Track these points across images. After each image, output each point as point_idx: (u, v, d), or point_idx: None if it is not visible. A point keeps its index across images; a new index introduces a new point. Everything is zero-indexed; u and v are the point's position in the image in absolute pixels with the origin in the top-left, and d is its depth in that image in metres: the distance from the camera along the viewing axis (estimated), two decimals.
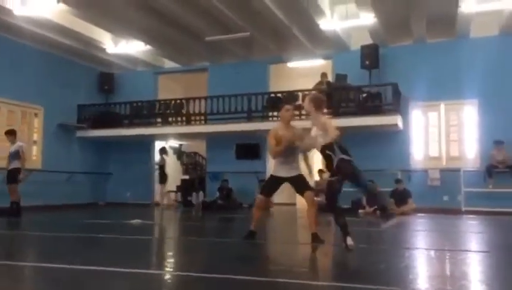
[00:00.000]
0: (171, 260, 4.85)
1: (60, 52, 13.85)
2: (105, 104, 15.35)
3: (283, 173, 5.83)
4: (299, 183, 5.85)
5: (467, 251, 5.46)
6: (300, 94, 13.09)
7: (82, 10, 11.32)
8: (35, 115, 13.61)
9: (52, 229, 8.21)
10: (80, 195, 14.29)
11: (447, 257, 4.99)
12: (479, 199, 11.64)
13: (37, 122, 13.64)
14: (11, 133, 10.11)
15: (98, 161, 15.51)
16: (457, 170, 11.98)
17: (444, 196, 12.16)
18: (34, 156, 13.39)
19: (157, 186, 13.89)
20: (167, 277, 3.92)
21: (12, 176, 9.72)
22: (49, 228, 8.47)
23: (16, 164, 9.78)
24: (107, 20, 12.02)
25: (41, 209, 11.90)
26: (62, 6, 10.83)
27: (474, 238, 7.02)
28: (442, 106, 12.76)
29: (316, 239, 5.57)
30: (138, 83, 15.74)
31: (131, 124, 14.70)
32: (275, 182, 5.93)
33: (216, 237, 7.42)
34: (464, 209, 11.62)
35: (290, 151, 5.79)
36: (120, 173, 15.43)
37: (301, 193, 5.84)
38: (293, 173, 5.81)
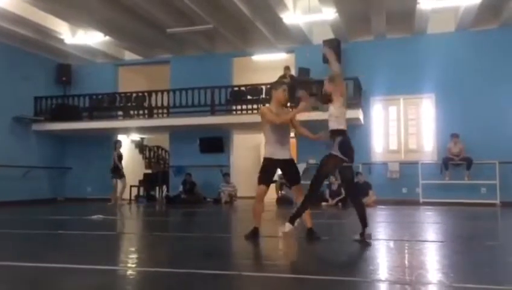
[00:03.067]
0: (135, 256, 4.79)
1: (15, 43, 13.33)
2: (63, 96, 14.90)
3: (280, 154, 5.43)
4: (293, 171, 5.54)
5: (425, 241, 5.66)
6: (263, 87, 13.15)
7: None
8: None
9: (9, 226, 7.93)
10: (37, 191, 13.88)
11: (406, 248, 5.16)
12: (436, 191, 12.07)
13: None
14: None
15: (56, 155, 15.08)
16: (416, 163, 12.37)
17: (403, 188, 12.55)
18: None
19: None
20: (131, 272, 3.87)
21: None
22: (6, 225, 8.18)
23: None
24: (64, 9, 11.63)
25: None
26: None
27: (431, 229, 7.28)
28: (402, 100, 13.12)
29: (312, 234, 5.39)
30: (98, 75, 15.36)
31: (91, 117, 14.35)
32: (272, 167, 5.50)
33: (180, 231, 7.37)
34: (421, 200, 12.02)
35: (286, 130, 5.54)
36: (80, 167, 15.07)
37: (292, 183, 5.53)
38: (288, 156, 5.48)
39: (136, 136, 17.16)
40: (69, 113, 14.25)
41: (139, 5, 11.06)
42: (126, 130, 15.13)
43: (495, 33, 12.37)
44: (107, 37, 13.26)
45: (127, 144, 16.94)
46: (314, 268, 3.92)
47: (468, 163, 11.72)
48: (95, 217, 8.53)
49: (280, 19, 11.56)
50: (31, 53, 14.13)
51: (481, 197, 11.79)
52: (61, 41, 13.32)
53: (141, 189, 15.26)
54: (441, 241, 5.61)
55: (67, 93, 15.07)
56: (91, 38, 13.32)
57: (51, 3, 11.27)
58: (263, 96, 13.13)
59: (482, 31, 12.44)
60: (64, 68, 15.22)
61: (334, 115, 5.24)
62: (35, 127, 14.25)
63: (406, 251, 4.96)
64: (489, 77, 12.26)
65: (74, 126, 14.08)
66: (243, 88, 13.52)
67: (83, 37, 13.32)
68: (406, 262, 4.30)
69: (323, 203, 11.66)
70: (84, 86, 15.07)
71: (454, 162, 11.95)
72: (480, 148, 11.71)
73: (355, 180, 11.80)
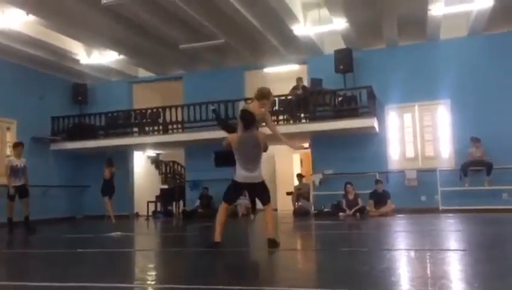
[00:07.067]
0: (154, 273, 4.79)
1: (32, 64, 13.61)
2: (79, 115, 15.12)
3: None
4: None
5: (446, 250, 5.55)
6: (276, 99, 13.16)
7: (53, 21, 11.17)
8: (8, 128, 13.33)
9: (30, 245, 8.02)
10: (56, 209, 14.03)
11: (427, 257, 5.07)
12: (456, 198, 11.88)
13: (10, 136, 13.34)
14: (20, 146, 9.93)
15: (74, 173, 15.26)
16: (434, 170, 12.21)
17: (421, 196, 12.39)
18: None
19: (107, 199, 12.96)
20: None
21: (26, 190, 9.78)
22: (26, 245, 8.28)
23: (23, 180, 9.73)
24: (79, 31, 11.88)
25: (17, 225, 11.60)
26: (32, 18, 10.66)
27: (452, 237, 7.15)
28: (416, 107, 13.01)
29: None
30: (113, 93, 15.58)
31: (107, 135, 14.51)
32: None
33: (198, 246, 7.36)
34: (441, 208, 11.83)
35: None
36: (97, 185, 15.14)
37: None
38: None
39: (151, 152, 17.30)
40: (85, 131, 14.47)
41: (150, 23, 11.22)
42: (142, 147, 15.26)
43: (508, 36, 12.24)
44: (121, 56, 13.47)
45: (143, 160, 17.10)
46: (334, 280, 3.87)
47: (488, 168, 11.52)
48: (113, 234, 8.59)
49: (291, 31, 11.61)
50: (47, 74, 14.41)
51: (503, 203, 11.58)
52: (77, 61, 13.57)
53: (158, 204, 15.32)
54: (463, 250, 5.49)
55: (83, 112, 15.29)
56: (105, 57, 13.55)
57: (66, 26, 11.52)
58: (276, 108, 13.15)
59: (495, 35, 12.33)
60: (80, 88, 15.47)
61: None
62: (53, 146, 14.47)
63: (428, 260, 4.87)
64: (505, 80, 12.11)
65: (91, 144, 14.27)
66: None
67: (97, 57, 13.56)
68: (428, 272, 4.22)
69: (341, 214, 11.55)
70: (100, 104, 15.28)
71: (474, 167, 11.76)
72: (499, 153, 11.54)
73: (375, 188, 11.78)
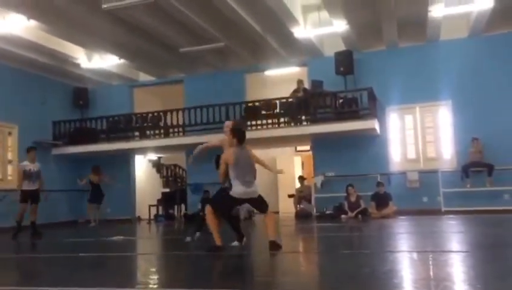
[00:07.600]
0: (156, 276, 4.79)
1: (33, 69, 13.63)
2: (80, 119, 15.13)
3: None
4: None
5: (449, 251, 5.54)
6: (277, 102, 13.18)
7: (53, 26, 11.20)
8: (9, 133, 13.33)
9: (33, 250, 8.02)
10: (58, 213, 14.00)
11: (430, 259, 5.06)
12: (458, 199, 11.85)
13: (11, 141, 13.34)
14: (33, 151, 9.96)
15: (75, 177, 15.18)
16: (435, 171, 12.19)
17: (423, 197, 12.35)
18: (10, 175, 13.08)
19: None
20: None
21: (38, 195, 9.78)
22: (30, 249, 8.28)
23: (37, 185, 9.75)
24: (80, 35, 11.90)
25: (25, 229, 11.60)
26: (33, 23, 10.68)
27: (454, 239, 7.14)
28: (418, 109, 13.00)
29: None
30: (113, 97, 15.58)
31: (108, 139, 14.52)
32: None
33: (199, 250, 7.35)
34: (443, 209, 11.80)
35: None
36: None
37: None
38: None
39: (153, 156, 17.29)
40: (86, 136, 14.47)
41: (151, 27, 11.24)
42: (143, 150, 15.26)
43: (508, 37, 12.24)
44: (122, 60, 13.48)
45: (144, 163, 17.10)
46: (335, 283, 3.87)
47: (489, 169, 11.50)
48: (115, 238, 8.58)
49: (291, 33, 11.62)
50: (48, 78, 14.42)
51: (504, 203, 11.53)
52: (78, 66, 13.58)
53: (160, 208, 15.31)
54: (466, 252, 5.48)
55: (85, 116, 15.30)
56: (106, 61, 13.57)
57: (67, 30, 11.54)
58: (277, 110, 13.16)
59: (496, 35, 12.33)
60: (81, 92, 15.49)
61: None
62: (55, 151, 14.47)
63: (430, 262, 4.86)
64: (506, 80, 12.09)
65: (92, 148, 14.26)
66: (257, 103, 13.57)
67: (98, 61, 13.58)
68: (431, 274, 4.21)
69: (343, 216, 11.53)
70: (101, 108, 15.29)
71: (475, 168, 11.73)
72: (501, 153, 11.51)
73: (376, 190, 11.75)
